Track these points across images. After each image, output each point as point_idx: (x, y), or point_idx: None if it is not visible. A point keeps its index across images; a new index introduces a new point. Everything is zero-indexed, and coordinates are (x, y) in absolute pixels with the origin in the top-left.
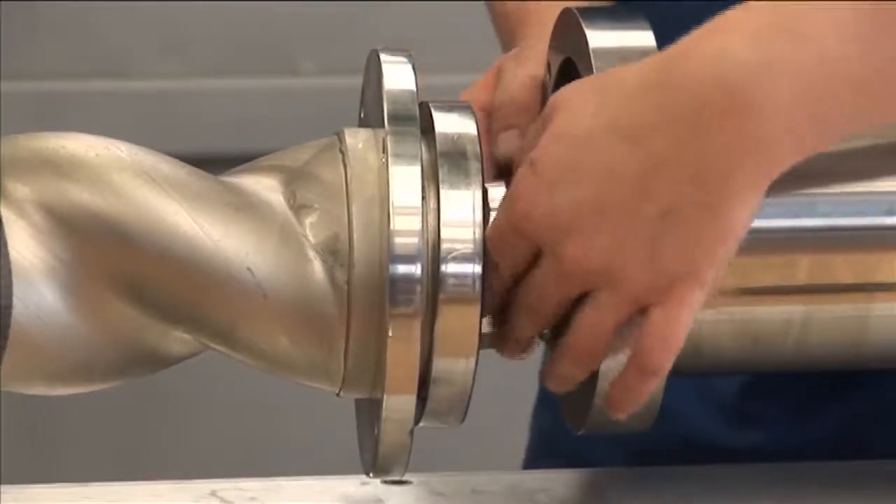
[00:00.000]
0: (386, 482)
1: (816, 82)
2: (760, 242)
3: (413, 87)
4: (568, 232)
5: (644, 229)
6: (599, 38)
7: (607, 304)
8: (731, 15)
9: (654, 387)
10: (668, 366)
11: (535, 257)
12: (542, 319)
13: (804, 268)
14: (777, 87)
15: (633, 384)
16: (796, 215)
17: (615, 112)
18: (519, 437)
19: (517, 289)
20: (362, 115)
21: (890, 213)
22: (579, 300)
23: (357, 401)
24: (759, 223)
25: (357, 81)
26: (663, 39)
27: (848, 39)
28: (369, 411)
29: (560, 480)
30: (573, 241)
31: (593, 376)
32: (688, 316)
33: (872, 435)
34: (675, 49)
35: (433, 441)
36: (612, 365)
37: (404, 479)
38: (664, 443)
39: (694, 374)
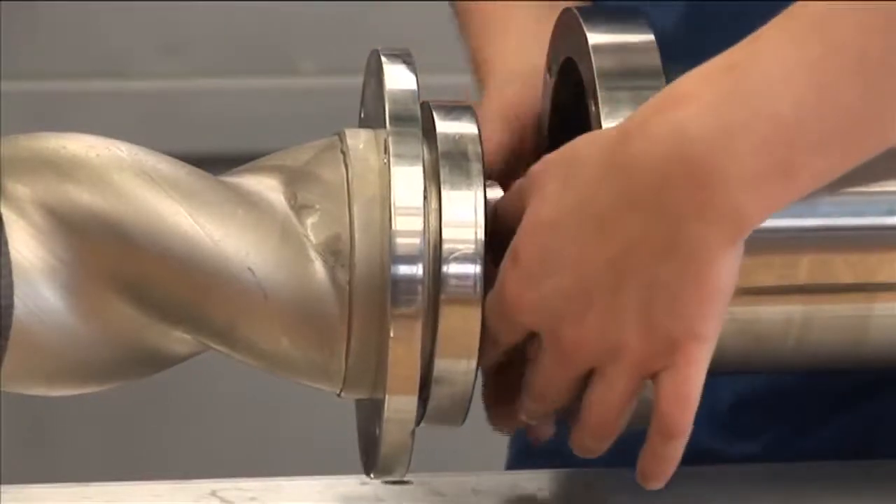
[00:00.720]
0: (386, 482)
1: (777, 147)
2: (761, 242)
3: (414, 87)
4: (561, 317)
5: (632, 303)
6: (599, 37)
7: (615, 377)
8: (686, 85)
9: (681, 450)
10: (689, 426)
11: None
12: (552, 403)
13: (805, 268)
14: (738, 151)
15: (659, 451)
16: (797, 215)
17: (580, 196)
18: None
19: (525, 377)
20: (362, 115)
21: (891, 213)
22: (589, 376)
23: (357, 401)
24: None
25: (357, 81)
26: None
27: (802, 102)
28: (369, 411)
29: (560, 480)
30: (567, 324)
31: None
32: (697, 373)
33: (872, 449)
34: (632, 123)
35: (433, 441)
36: None
37: (404, 479)
38: None
39: None
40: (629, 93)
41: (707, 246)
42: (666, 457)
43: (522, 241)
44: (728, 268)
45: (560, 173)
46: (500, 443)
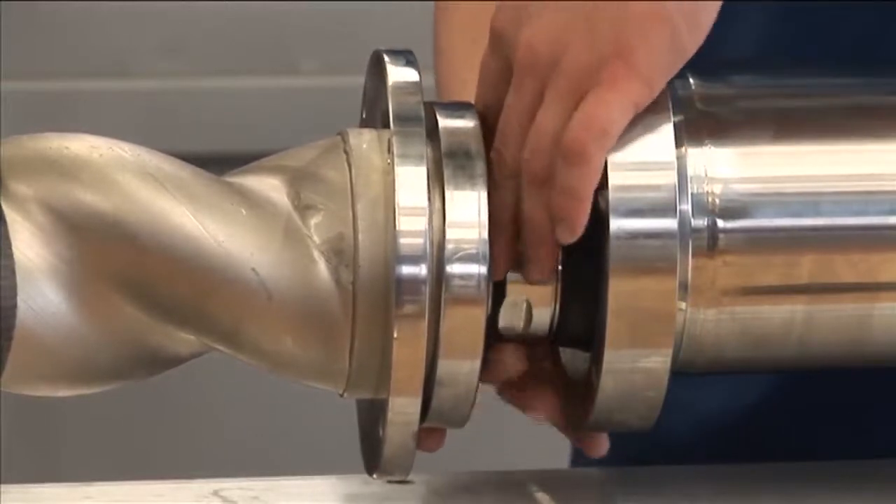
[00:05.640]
0: (389, 482)
1: None
2: (762, 242)
3: (417, 87)
4: (525, 21)
5: (582, 7)
6: None
7: (554, 95)
8: None
9: (585, 184)
10: (593, 153)
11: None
12: (513, 142)
13: (806, 267)
14: None
15: (561, 178)
16: (798, 215)
17: None
18: (521, 436)
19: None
20: (364, 115)
21: (892, 212)
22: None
23: (358, 401)
24: (760, 222)
25: (358, 81)
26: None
27: None
28: (372, 412)
29: (562, 480)
30: (527, 28)
31: (595, 371)
32: (618, 102)
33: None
34: None
35: None
36: (615, 362)
37: (407, 479)
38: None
39: (695, 374)
40: None
41: None
42: (566, 187)
43: None
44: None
45: None
46: (503, 443)
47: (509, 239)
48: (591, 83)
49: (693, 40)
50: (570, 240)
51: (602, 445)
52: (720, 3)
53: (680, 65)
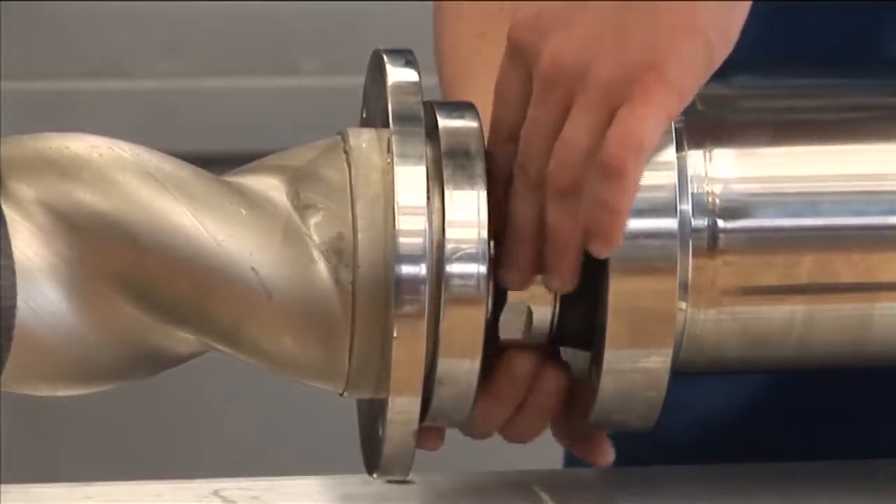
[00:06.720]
0: (389, 482)
1: None
2: (762, 242)
3: (417, 87)
4: (548, 31)
5: (611, 17)
6: None
7: (582, 108)
8: None
9: (622, 200)
10: (631, 169)
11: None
12: (538, 155)
13: (806, 267)
14: None
15: (597, 192)
16: (798, 215)
17: None
18: None
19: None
20: (364, 115)
21: (892, 212)
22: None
23: (358, 400)
24: (760, 222)
25: (358, 81)
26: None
27: None
28: (372, 411)
29: (562, 479)
30: (552, 39)
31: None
32: (653, 115)
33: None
34: None
35: None
36: (615, 362)
37: (407, 478)
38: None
39: (696, 373)
40: None
41: None
42: (603, 202)
43: None
44: (710, 11)
45: None
46: (503, 443)
47: (533, 250)
48: (621, 96)
49: (723, 52)
50: (607, 254)
51: (607, 452)
52: (747, 12)
53: (709, 75)
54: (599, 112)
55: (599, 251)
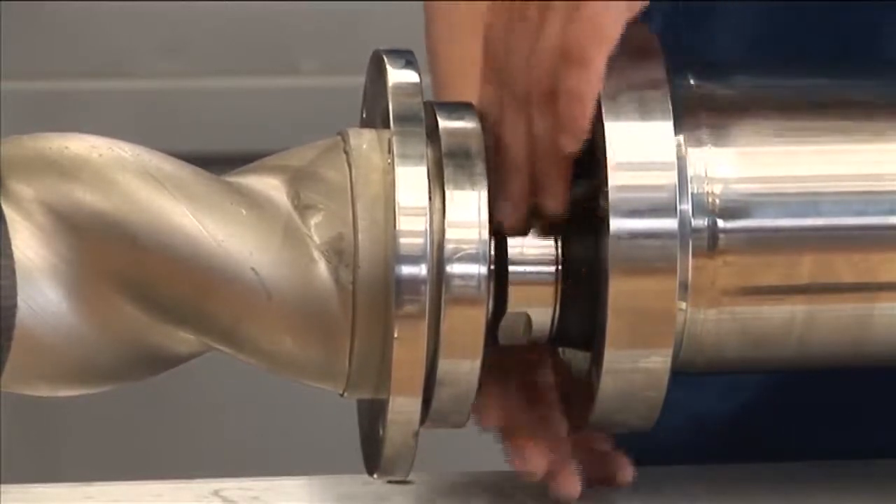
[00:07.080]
0: (389, 482)
1: None
2: (762, 242)
3: (417, 87)
4: None
5: None
6: None
7: (551, 18)
8: None
9: (586, 84)
10: (594, 55)
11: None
12: (520, 70)
13: (807, 267)
14: None
15: (564, 81)
16: (798, 215)
17: None
18: None
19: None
20: (364, 115)
21: (892, 212)
22: None
23: (358, 401)
24: (761, 222)
25: (359, 81)
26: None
27: None
28: (372, 412)
29: None
30: None
31: (596, 369)
32: (613, 6)
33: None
34: None
35: (436, 441)
36: (615, 362)
37: (407, 479)
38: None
39: (696, 373)
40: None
41: None
42: (568, 89)
43: None
44: None
45: None
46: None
47: (525, 177)
48: None
49: None
50: (574, 147)
51: (626, 470)
52: None
53: None
54: (565, 12)
55: (567, 143)
